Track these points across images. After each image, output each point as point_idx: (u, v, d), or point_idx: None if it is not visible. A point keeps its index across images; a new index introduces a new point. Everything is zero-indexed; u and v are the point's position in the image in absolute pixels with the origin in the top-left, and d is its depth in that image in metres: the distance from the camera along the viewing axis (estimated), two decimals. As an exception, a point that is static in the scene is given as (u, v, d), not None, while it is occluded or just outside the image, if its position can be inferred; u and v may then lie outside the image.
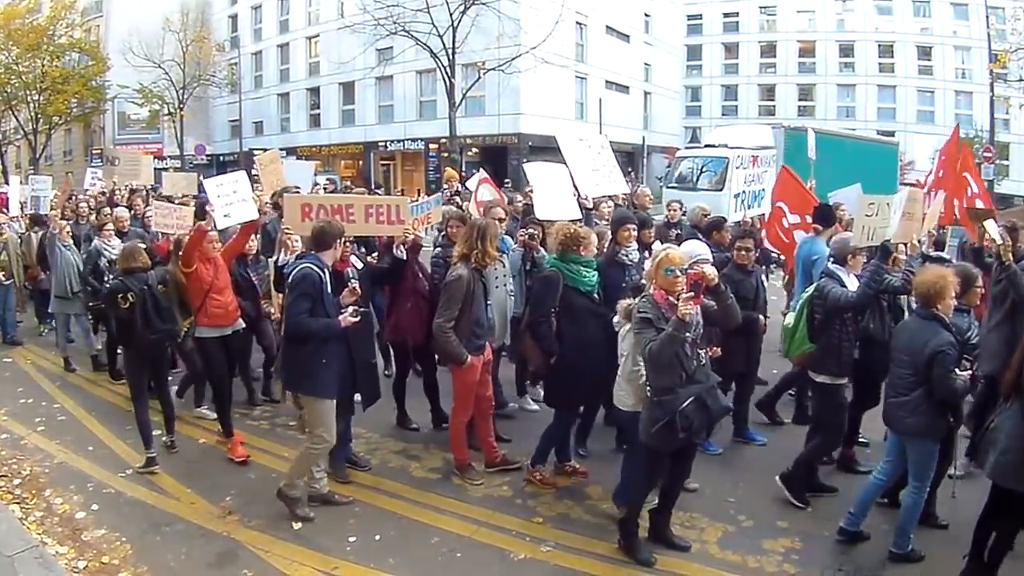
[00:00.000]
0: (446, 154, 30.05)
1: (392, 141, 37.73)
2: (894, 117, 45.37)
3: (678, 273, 4.42)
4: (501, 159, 33.86)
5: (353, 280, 5.62)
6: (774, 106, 48.41)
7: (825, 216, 7.53)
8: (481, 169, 9.70)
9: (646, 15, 43.46)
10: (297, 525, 5.21)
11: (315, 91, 42.29)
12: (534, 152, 34.05)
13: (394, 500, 5.56)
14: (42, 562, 4.66)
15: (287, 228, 6.08)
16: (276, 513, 5.31)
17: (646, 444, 4.55)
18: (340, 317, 5.12)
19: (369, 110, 39.25)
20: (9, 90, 36.85)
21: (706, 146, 24.12)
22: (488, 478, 5.92)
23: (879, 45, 46.52)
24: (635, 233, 6.34)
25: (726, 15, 51.47)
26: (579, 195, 7.25)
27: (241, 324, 6.95)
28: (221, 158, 43.50)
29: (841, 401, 5.57)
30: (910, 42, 45.64)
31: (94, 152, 42.97)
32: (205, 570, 4.69)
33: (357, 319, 5.20)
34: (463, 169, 29.09)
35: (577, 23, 36.01)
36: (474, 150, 34.72)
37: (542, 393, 6.92)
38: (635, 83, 42.33)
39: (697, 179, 21.45)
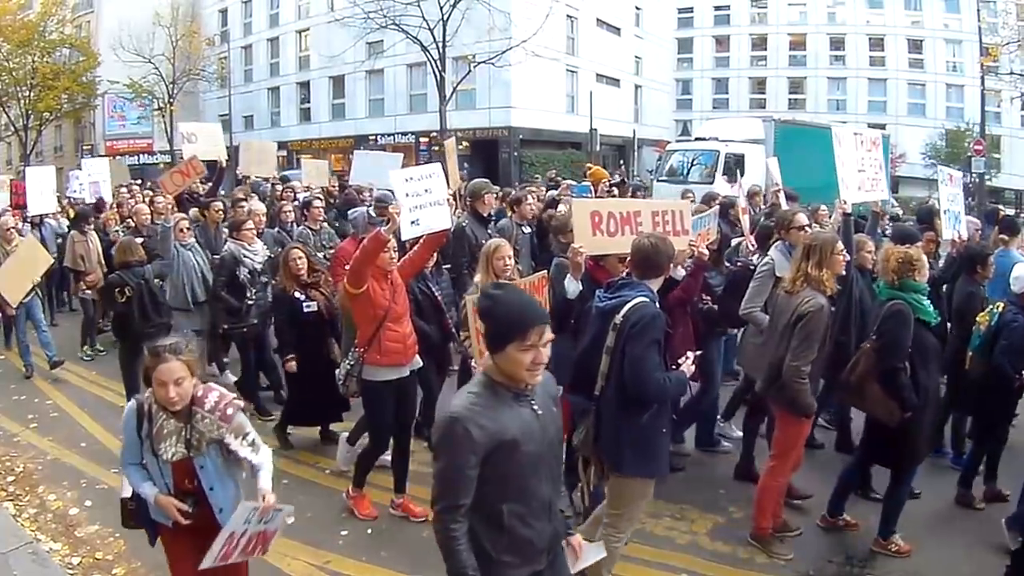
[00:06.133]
0: (437, 148, 29.99)
1: (383, 135, 37.59)
2: (885, 110, 45.42)
3: None
4: (492, 152, 33.87)
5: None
6: (765, 99, 48.31)
7: (1010, 227, 7.28)
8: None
9: (637, 8, 43.47)
10: (289, 520, 5.18)
11: (305, 85, 42.13)
12: (524, 145, 34.12)
13: (386, 493, 5.49)
14: (36, 559, 4.68)
15: (581, 246, 4.71)
16: (269, 508, 5.32)
17: None
18: (682, 367, 3.93)
19: (359, 104, 39.16)
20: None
21: (697, 139, 24.23)
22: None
23: (870, 38, 46.49)
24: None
25: (717, 8, 51.36)
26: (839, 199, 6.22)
27: (419, 362, 5.41)
28: (211, 152, 43.27)
29: None
30: (901, 35, 45.64)
31: (84, 148, 42.77)
32: (199, 565, 4.70)
33: (694, 368, 4.01)
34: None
35: (568, 16, 35.96)
36: (465, 144, 34.70)
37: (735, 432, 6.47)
38: (626, 76, 42.31)
39: (688, 172, 21.54)
